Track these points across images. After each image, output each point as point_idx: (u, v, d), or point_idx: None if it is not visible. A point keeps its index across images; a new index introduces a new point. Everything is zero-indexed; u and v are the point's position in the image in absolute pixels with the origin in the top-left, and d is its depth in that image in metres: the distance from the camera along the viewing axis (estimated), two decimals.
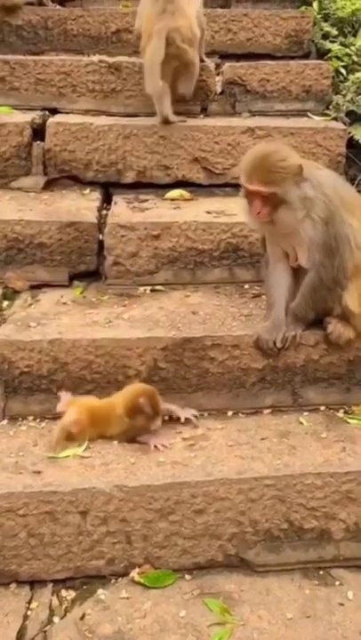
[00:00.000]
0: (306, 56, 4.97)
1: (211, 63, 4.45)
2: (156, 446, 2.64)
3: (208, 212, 3.59)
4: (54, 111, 4.29)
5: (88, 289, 3.41)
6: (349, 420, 2.87)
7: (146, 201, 3.80)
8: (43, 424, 2.81)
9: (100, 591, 2.39)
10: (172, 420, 2.80)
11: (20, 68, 4.31)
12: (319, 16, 5.15)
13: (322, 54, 4.93)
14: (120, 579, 2.44)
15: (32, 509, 2.39)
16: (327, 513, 2.52)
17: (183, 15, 3.95)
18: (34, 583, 2.43)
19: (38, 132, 4.00)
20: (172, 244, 3.42)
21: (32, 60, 4.35)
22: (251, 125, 4.06)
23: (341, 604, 2.36)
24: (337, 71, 4.65)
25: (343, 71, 4.68)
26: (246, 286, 3.42)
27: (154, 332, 2.92)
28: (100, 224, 3.54)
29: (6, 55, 4.47)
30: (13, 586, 2.41)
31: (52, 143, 3.94)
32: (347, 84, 4.53)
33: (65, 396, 2.81)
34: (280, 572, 2.49)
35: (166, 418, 2.78)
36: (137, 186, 3.96)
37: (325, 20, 5.14)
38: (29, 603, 2.35)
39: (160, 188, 3.95)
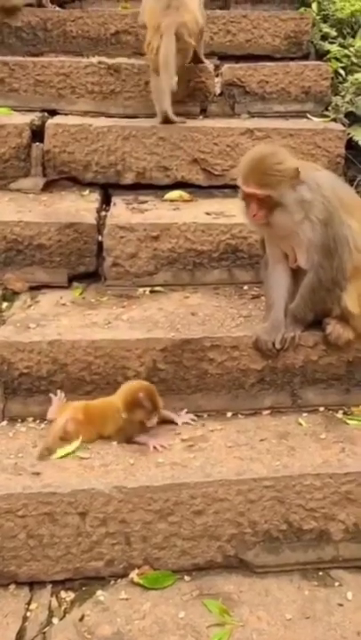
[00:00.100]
0: (305, 57, 4.97)
1: (210, 64, 4.46)
2: (155, 447, 2.64)
3: (207, 214, 3.60)
4: (53, 112, 4.29)
5: (87, 290, 3.42)
6: (349, 421, 2.87)
7: (145, 202, 3.80)
8: (42, 425, 2.81)
9: (99, 592, 2.39)
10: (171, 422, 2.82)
11: (20, 70, 4.31)
12: (318, 17, 5.16)
13: (321, 55, 4.94)
14: (119, 580, 2.44)
15: (31, 510, 2.39)
16: (326, 514, 2.52)
17: (187, 10, 3.99)
18: (33, 584, 2.43)
19: (37, 134, 4.00)
20: (171, 245, 3.43)
21: (31, 62, 4.36)
22: (250, 127, 4.06)
23: (341, 605, 2.36)
24: (336, 72, 4.66)
25: (342, 72, 4.69)
26: (245, 287, 3.42)
27: (153, 333, 2.93)
28: (100, 225, 3.54)
29: (5, 56, 4.49)
30: (13, 587, 2.41)
31: (52, 144, 3.95)
32: (346, 85, 4.53)
33: (56, 402, 2.81)
34: (279, 572, 2.49)
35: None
36: (136, 187, 3.97)
37: (324, 22, 5.15)
38: (29, 604, 2.35)
39: (159, 189, 3.96)
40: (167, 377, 2.89)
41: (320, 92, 4.50)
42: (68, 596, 2.39)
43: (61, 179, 3.98)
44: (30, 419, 2.85)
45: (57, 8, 5.24)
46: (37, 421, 2.84)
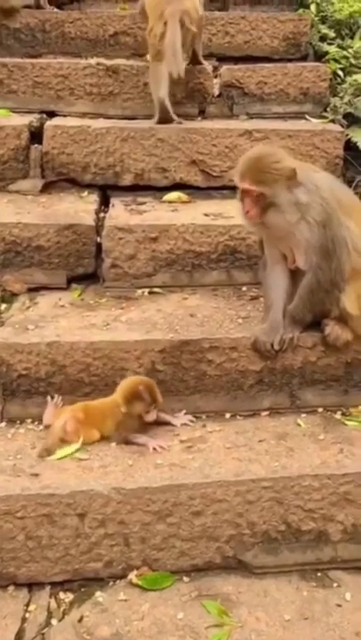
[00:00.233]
0: (303, 58, 4.98)
1: (208, 66, 4.47)
2: (154, 448, 2.64)
3: (206, 215, 3.60)
4: (52, 114, 4.30)
5: (86, 291, 3.42)
6: (347, 422, 2.88)
7: (144, 203, 3.80)
8: (41, 427, 2.80)
9: (97, 593, 2.39)
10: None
11: (18, 71, 4.32)
12: (317, 18, 5.17)
13: (319, 57, 4.95)
14: (118, 581, 2.44)
15: (30, 512, 2.39)
16: (325, 515, 2.52)
17: None
18: (32, 586, 2.43)
19: (36, 135, 4.00)
20: (169, 247, 3.43)
21: (30, 63, 4.37)
22: (248, 128, 4.07)
23: (339, 606, 2.36)
24: (334, 73, 4.67)
25: (341, 73, 4.70)
26: (244, 288, 3.42)
27: (152, 334, 2.93)
28: (98, 227, 3.54)
29: (4, 58, 4.50)
30: (11, 588, 2.41)
31: (50, 146, 3.95)
32: (344, 86, 4.54)
33: (52, 406, 2.81)
34: (278, 573, 2.49)
35: None
36: (135, 188, 3.97)
37: (323, 23, 5.15)
38: (27, 605, 2.35)
39: (158, 190, 3.96)
40: (166, 378, 2.89)
41: (319, 94, 4.51)
42: (66, 597, 2.39)
43: (60, 180, 3.98)
44: (29, 420, 2.85)
45: (55, 9, 5.23)
46: (36, 423, 2.83)
